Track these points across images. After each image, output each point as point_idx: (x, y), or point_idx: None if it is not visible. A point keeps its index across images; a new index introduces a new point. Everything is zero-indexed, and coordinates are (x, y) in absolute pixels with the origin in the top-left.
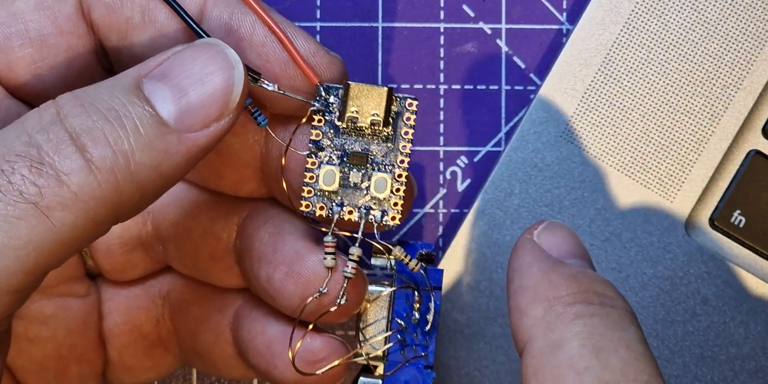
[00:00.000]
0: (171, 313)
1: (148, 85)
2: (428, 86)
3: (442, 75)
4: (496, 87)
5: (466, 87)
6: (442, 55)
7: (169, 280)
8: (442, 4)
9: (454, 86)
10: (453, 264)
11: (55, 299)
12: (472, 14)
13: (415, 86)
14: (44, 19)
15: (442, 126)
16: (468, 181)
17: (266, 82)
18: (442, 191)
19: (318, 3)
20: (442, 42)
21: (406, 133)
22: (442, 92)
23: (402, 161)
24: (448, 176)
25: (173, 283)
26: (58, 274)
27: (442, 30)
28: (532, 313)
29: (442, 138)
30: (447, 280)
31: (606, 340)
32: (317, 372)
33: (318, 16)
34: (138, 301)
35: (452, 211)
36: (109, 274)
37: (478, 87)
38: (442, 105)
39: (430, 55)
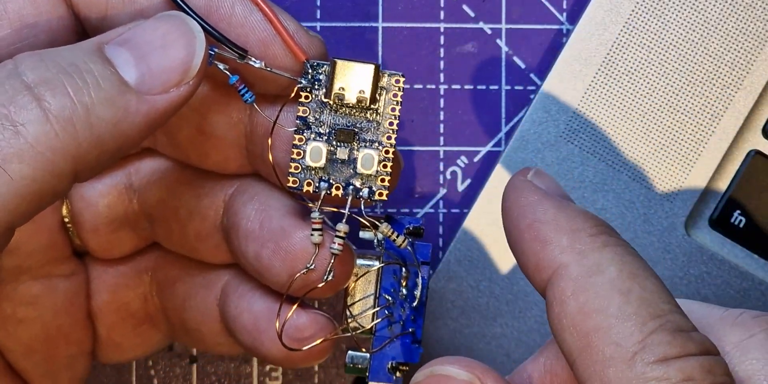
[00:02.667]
0: (158, 289)
1: (110, 50)
2: (428, 86)
3: (442, 75)
4: (496, 87)
5: (466, 87)
6: (442, 55)
7: (156, 256)
8: (442, 4)
9: (454, 86)
10: (453, 264)
11: (42, 280)
12: (472, 14)
13: (415, 86)
14: (23, 0)
15: (442, 126)
16: (468, 181)
17: (253, 58)
18: (442, 191)
19: (318, 3)
20: (442, 42)
21: (393, 109)
22: (442, 92)
23: (389, 137)
24: (448, 176)
25: (160, 259)
26: (44, 254)
27: (442, 30)
28: (559, 243)
29: (442, 138)
30: (447, 281)
31: (636, 267)
32: (303, 348)
33: (318, 16)
34: (125, 278)
35: (452, 211)
36: (96, 252)
37: (478, 87)
38: (442, 105)
39: (430, 55)
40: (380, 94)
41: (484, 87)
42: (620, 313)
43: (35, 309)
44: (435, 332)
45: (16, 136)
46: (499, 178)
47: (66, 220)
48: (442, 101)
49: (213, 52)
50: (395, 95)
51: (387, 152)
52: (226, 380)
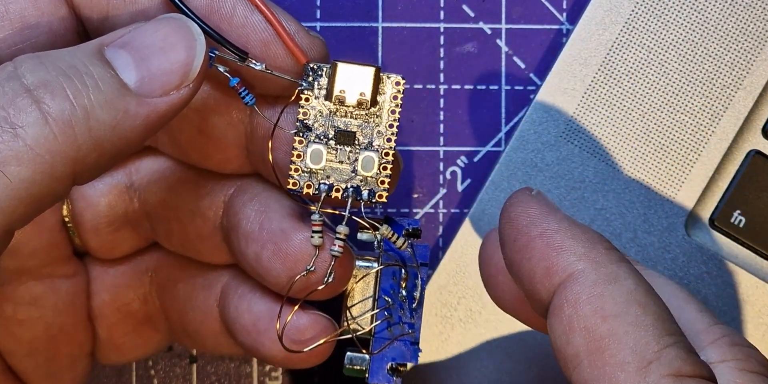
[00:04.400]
0: (159, 290)
1: (110, 52)
2: (428, 86)
3: (442, 75)
4: (496, 87)
5: (466, 87)
6: (442, 55)
7: (157, 257)
8: (442, 4)
9: (454, 86)
10: (453, 264)
11: (43, 280)
12: (472, 14)
13: (415, 86)
14: (24, 1)
15: (442, 126)
16: (468, 181)
17: (254, 61)
18: (442, 191)
19: (318, 3)
20: (442, 42)
21: (393, 111)
22: (442, 92)
23: (389, 139)
24: (448, 176)
25: (160, 260)
26: (45, 255)
27: (442, 30)
28: (575, 250)
29: (442, 138)
30: (447, 281)
31: (649, 287)
32: (304, 350)
33: (318, 16)
34: (126, 279)
35: (452, 211)
36: (96, 252)
37: (478, 87)
38: (442, 105)
39: (430, 55)
40: (381, 96)
41: (484, 87)
42: (638, 322)
43: (37, 309)
44: (435, 332)
45: (15, 138)
46: (499, 178)
47: (66, 219)
48: (442, 101)
49: (213, 55)
50: (395, 98)
51: (387, 155)
52: (226, 380)
